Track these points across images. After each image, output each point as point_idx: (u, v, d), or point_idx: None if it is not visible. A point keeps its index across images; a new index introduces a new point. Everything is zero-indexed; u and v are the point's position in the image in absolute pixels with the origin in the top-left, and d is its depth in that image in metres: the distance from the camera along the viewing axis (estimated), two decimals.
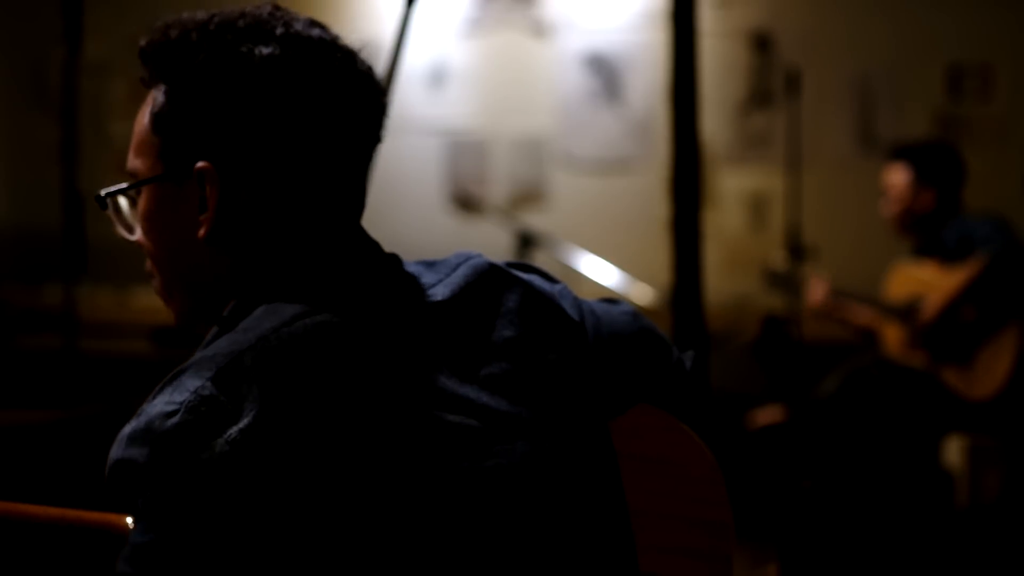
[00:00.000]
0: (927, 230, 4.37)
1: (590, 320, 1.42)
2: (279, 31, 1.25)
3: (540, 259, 4.63)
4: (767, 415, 4.60)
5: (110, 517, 1.32)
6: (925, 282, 4.31)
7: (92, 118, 5.61)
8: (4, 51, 6.52)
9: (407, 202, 5.95)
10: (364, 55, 1.30)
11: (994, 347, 4.14)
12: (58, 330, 3.75)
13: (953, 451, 4.19)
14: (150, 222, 1.29)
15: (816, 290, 4.52)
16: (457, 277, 1.31)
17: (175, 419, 1.11)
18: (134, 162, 1.29)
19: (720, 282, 5.12)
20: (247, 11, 1.27)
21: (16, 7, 6.40)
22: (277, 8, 1.28)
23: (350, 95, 1.26)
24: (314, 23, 1.28)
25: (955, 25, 5.55)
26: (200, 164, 1.24)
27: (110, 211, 1.32)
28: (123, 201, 1.32)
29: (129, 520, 1.32)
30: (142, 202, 1.29)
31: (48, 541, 1.33)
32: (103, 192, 1.32)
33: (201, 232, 1.25)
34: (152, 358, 4.90)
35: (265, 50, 1.23)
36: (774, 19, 5.71)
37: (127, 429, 1.13)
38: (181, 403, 1.12)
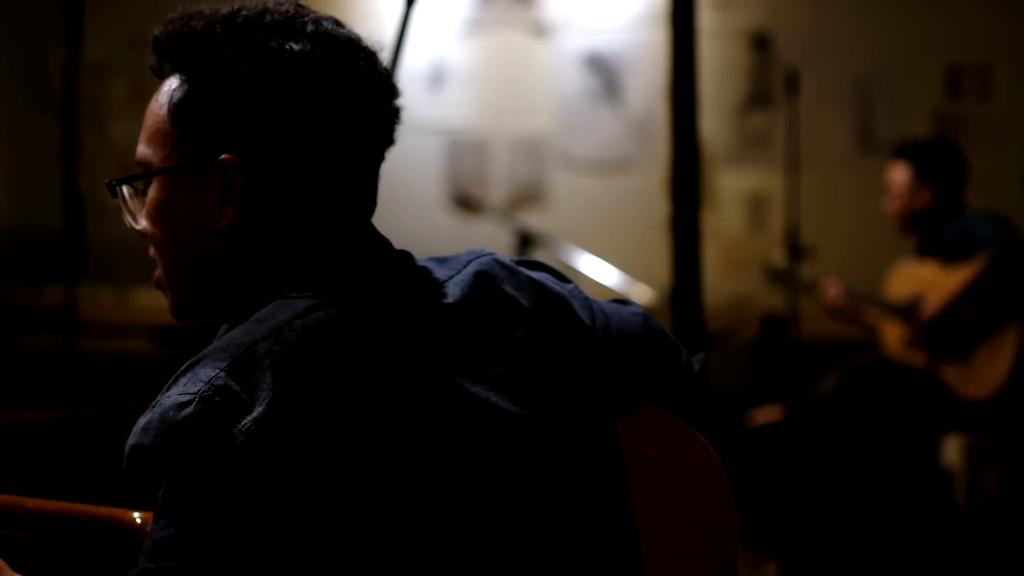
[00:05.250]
0: (928, 228, 4.37)
1: (600, 320, 1.42)
2: (310, 28, 1.25)
3: (540, 259, 4.63)
4: (766, 414, 4.60)
5: (116, 512, 1.33)
6: (926, 281, 4.31)
7: (93, 118, 5.60)
8: (5, 52, 6.52)
9: (407, 202, 5.95)
10: (383, 56, 1.31)
11: (994, 346, 4.14)
12: (59, 330, 3.74)
13: (952, 450, 4.20)
14: (161, 211, 1.28)
15: (831, 289, 4.52)
16: (468, 275, 1.32)
17: (189, 409, 1.12)
18: (145, 151, 1.29)
19: (719, 282, 5.12)
20: (270, 7, 1.27)
21: (17, 8, 6.39)
22: (300, 6, 1.29)
23: (371, 95, 1.27)
24: (339, 22, 1.28)
25: (955, 25, 5.56)
26: (224, 156, 1.23)
27: (119, 199, 1.32)
28: (127, 189, 1.31)
29: (136, 515, 1.33)
30: (154, 191, 1.28)
31: (55, 535, 1.34)
32: (117, 180, 1.32)
33: (222, 224, 1.25)
34: (152, 358, 4.90)
35: (296, 46, 1.24)
36: (774, 19, 5.71)
37: (143, 420, 1.15)
38: (195, 393, 1.13)
